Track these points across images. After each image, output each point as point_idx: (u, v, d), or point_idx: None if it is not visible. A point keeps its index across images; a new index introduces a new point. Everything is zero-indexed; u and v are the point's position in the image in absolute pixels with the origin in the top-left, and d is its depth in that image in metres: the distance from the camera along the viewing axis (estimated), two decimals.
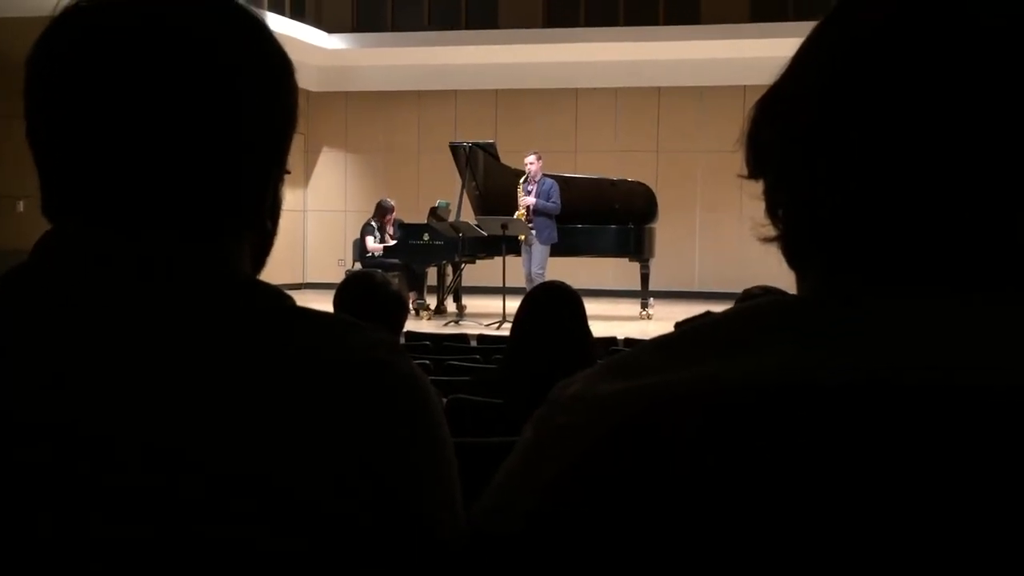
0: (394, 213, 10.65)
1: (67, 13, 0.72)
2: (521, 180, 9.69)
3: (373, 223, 10.52)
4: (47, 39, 0.72)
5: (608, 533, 0.52)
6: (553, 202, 9.51)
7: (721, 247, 13.14)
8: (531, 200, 9.50)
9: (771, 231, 0.61)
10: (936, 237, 0.53)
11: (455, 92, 14.19)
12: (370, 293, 2.93)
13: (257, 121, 0.74)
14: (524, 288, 7.72)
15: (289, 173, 0.79)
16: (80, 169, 0.70)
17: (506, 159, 10.62)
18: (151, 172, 0.70)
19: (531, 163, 9.63)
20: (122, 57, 0.69)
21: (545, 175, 9.69)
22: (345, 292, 3.00)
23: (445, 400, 2.74)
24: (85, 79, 0.69)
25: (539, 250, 9.47)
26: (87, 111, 0.69)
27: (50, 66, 0.71)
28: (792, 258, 0.61)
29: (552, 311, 2.83)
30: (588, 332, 2.89)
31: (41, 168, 0.73)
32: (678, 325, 0.73)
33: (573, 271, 9.82)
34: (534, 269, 9.32)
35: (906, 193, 0.54)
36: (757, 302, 0.57)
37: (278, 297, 0.71)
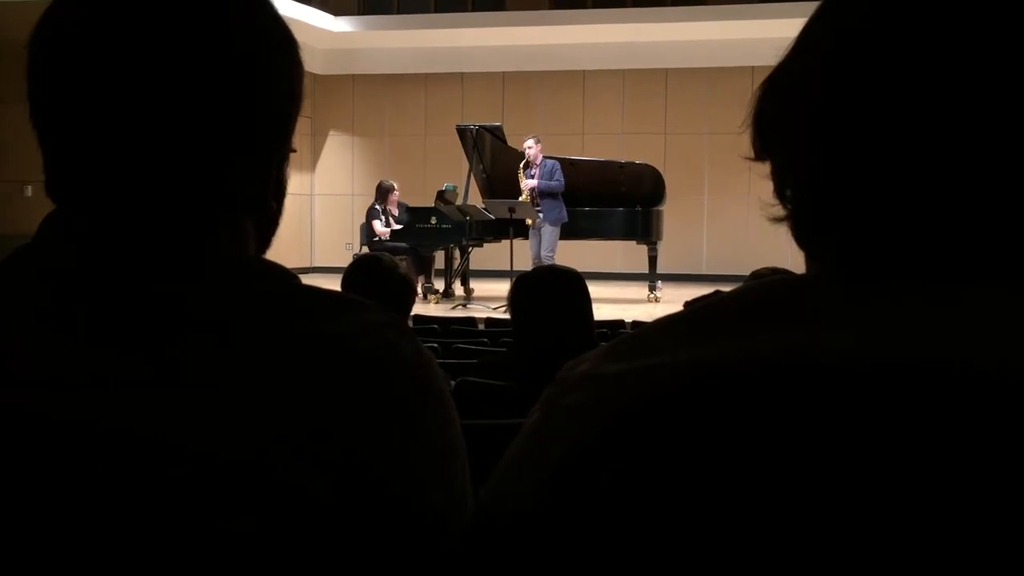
0: (396, 194, 10.60)
1: None
2: (521, 165, 9.61)
3: (378, 206, 10.51)
4: (48, 21, 0.71)
5: (618, 513, 0.52)
6: (556, 180, 9.43)
7: (729, 229, 13.11)
8: (533, 183, 9.42)
9: (780, 211, 0.61)
10: (937, 224, 0.53)
11: (462, 75, 14.15)
12: (378, 276, 2.93)
13: (263, 104, 0.73)
14: None
15: (295, 151, 0.79)
16: (82, 154, 0.70)
17: (513, 142, 10.59)
18: (154, 158, 0.69)
19: (530, 147, 9.55)
20: (124, 41, 0.68)
21: (546, 157, 9.63)
22: (353, 275, 3.00)
23: (453, 383, 2.74)
24: (86, 63, 0.69)
25: (548, 232, 9.42)
26: (88, 96, 0.69)
27: (51, 49, 0.71)
28: (800, 238, 0.60)
29: (556, 293, 2.82)
30: (591, 313, 2.88)
31: (44, 150, 0.72)
32: (687, 304, 0.73)
33: (581, 254, 9.84)
34: (543, 252, 9.27)
35: (907, 179, 0.53)
36: (766, 281, 0.57)
37: (282, 278, 0.71)
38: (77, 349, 0.64)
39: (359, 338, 0.67)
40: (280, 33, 0.75)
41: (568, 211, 9.64)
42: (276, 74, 0.74)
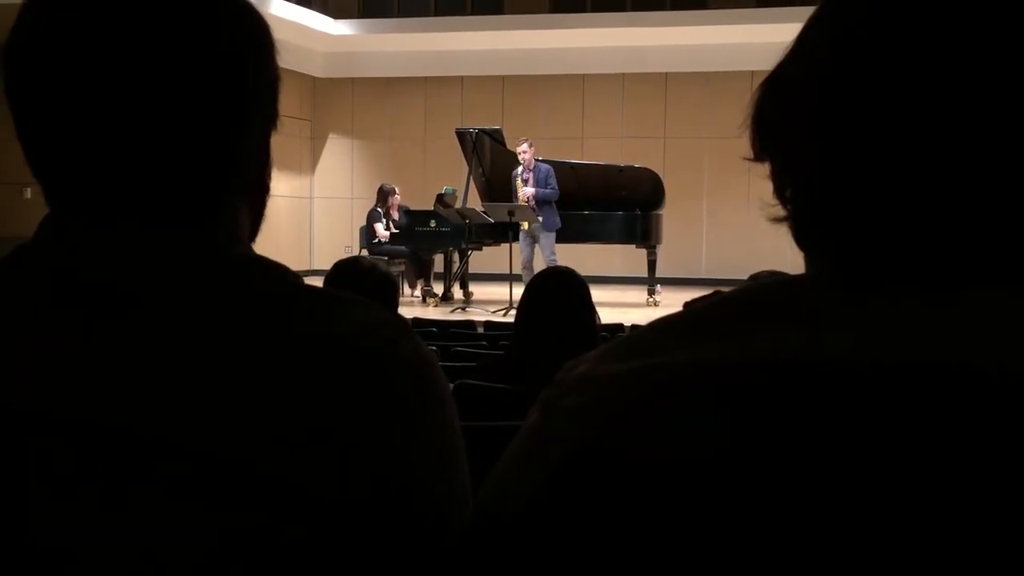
0: (397, 197, 10.62)
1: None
2: (517, 170, 9.60)
3: (379, 209, 10.51)
4: (28, 26, 0.69)
5: (618, 514, 0.52)
6: (552, 188, 9.46)
7: (728, 233, 13.12)
8: (531, 191, 9.43)
9: (780, 211, 0.61)
10: (935, 227, 0.53)
11: (461, 78, 14.15)
12: (361, 278, 2.91)
13: (248, 96, 0.72)
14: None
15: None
16: (66, 162, 0.69)
17: (512, 145, 10.59)
18: (142, 162, 0.68)
19: (524, 151, 9.55)
20: (101, 43, 0.67)
21: (539, 161, 9.64)
22: (335, 280, 2.97)
23: (452, 385, 2.73)
24: (64, 69, 0.67)
25: (546, 237, 9.45)
26: (69, 104, 0.67)
27: (27, 56, 0.69)
28: (800, 239, 0.61)
29: (558, 296, 2.82)
30: (595, 317, 2.88)
31: (33, 158, 0.71)
32: (686, 305, 0.73)
33: (580, 257, 9.81)
34: (547, 256, 9.28)
35: (905, 182, 0.53)
36: (765, 282, 0.57)
37: (282, 277, 0.70)
38: (76, 349, 0.64)
39: (359, 338, 0.67)
40: (253, 16, 0.74)
41: (568, 215, 9.66)
42: (258, 63, 0.73)
